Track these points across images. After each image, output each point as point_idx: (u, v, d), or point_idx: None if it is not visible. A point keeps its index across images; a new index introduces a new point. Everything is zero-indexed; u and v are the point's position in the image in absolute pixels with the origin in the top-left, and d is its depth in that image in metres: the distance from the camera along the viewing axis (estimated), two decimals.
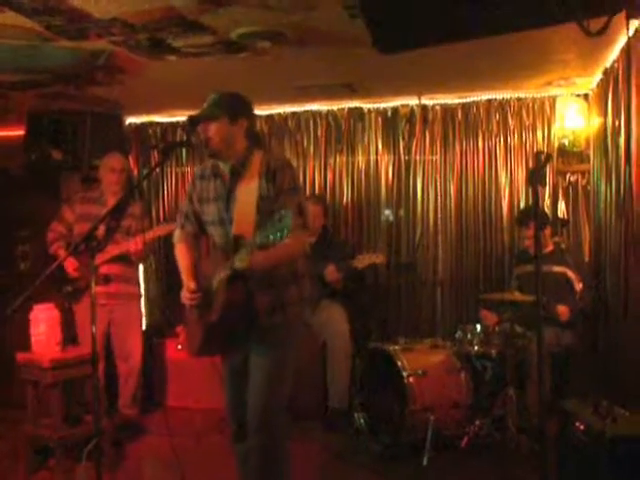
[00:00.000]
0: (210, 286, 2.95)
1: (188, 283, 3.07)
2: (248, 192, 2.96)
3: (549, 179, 5.72)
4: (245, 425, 3.07)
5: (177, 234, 3.31)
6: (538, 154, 2.62)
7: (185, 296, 3.05)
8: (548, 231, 5.01)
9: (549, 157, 2.87)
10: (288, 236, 2.73)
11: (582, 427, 3.36)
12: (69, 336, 4.56)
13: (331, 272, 5.28)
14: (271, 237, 2.51)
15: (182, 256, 3.26)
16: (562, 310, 4.72)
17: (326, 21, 3.88)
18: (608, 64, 4.83)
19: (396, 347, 4.63)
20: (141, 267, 6.05)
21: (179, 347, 5.89)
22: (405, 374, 4.39)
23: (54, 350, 4.29)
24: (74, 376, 4.27)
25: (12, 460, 4.47)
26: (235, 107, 3.02)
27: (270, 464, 2.98)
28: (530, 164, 5.77)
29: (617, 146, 4.55)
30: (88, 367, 3.45)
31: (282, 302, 3.00)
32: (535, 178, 2.61)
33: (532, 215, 5.07)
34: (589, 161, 5.61)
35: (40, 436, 4.29)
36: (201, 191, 3.14)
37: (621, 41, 4.37)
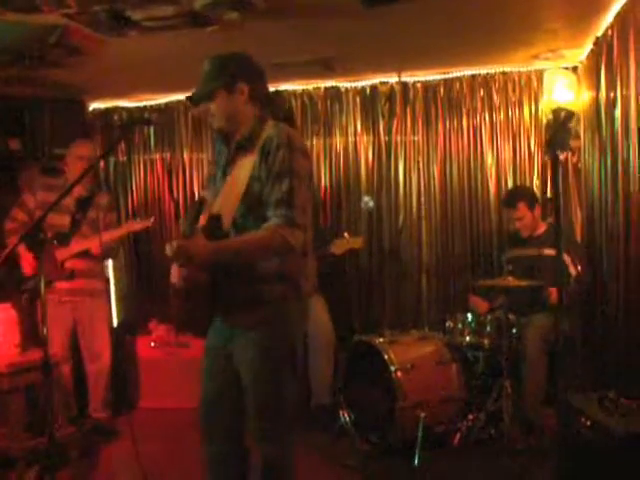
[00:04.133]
0: None
1: None
2: (243, 169, 2.63)
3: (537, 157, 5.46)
4: (215, 425, 2.82)
5: None
6: (556, 111, 2.30)
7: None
8: (538, 211, 4.75)
9: (571, 114, 2.52)
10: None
11: (588, 423, 3.09)
12: (31, 338, 4.26)
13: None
14: None
15: None
16: (551, 292, 4.43)
17: None
18: (600, 33, 4.55)
19: (382, 339, 4.35)
20: (110, 261, 5.77)
21: (152, 344, 5.59)
22: (393, 368, 4.11)
23: (12, 353, 4.00)
24: (35, 381, 3.95)
25: None
26: (229, 72, 2.66)
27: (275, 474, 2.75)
28: (517, 141, 5.51)
29: (613, 120, 4.29)
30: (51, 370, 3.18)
31: (260, 300, 2.63)
32: (555, 141, 2.26)
33: (519, 196, 4.81)
34: (579, 137, 5.33)
35: None
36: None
37: (615, 6, 4.12)
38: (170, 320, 3.11)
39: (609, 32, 4.33)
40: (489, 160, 5.59)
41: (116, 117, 6.19)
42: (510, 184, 5.50)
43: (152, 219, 4.82)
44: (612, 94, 4.27)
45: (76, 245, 4.61)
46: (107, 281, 5.51)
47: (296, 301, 2.70)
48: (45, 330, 2.60)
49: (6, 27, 3.93)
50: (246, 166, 2.62)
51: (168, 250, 2.47)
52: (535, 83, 5.48)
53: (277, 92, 5.74)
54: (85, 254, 4.63)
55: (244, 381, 2.71)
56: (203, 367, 2.88)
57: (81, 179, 2.95)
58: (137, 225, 4.77)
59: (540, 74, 5.43)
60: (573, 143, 5.36)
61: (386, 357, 4.17)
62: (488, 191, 5.59)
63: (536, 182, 5.45)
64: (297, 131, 3.64)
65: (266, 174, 2.55)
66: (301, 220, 2.53)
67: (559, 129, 2.28)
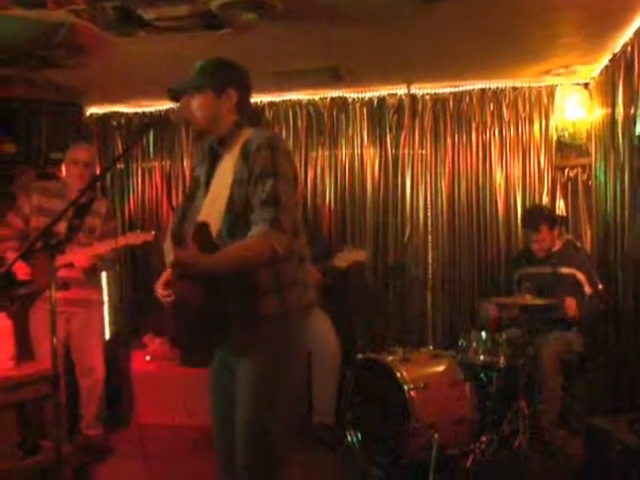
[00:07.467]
0: None
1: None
2: (225, 174, 2.51)
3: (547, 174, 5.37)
4: (232, 455, 2.59)
5: None
6: None
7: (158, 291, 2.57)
8: (556, 231, 4.64)
9: None
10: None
11: (618, 447, 2.96)
12: (24, 350, 4.04)
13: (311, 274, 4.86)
14: None
15: None
16: (569, 303, 4.30)
17: None
18: (617, 49, 4.49)
19: (393, 357, 4.18)
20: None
21: (147, 358, 5.40)
22: (406, 387, 3.93)
23: (6, 367, 3.76)
24: (30, 396, 3.74)
25: None
26: (222, 76, 2.55)
27: None
28: (527, 158, 5.43)
29: (630, 136, 4.21)
30: (46, 386, 3.02)
31: (257, 316, 2.48)
32: None
33: (541, 218, 4.63)
34: (589, 155, 5.25)
35: None
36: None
37: (635, 23, 4.08)
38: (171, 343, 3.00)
39: (628, 48, 4.27)
40: (498, 176, 5.50)
41: (114, 122, 6.05)
42: (519, 201, 5.43)
43: (153, 233, 4.46)
44: (632, 110, 4.19)
45: (62, 257, 4.21)
46: (102, 290, 5.29)
47: (296, 315, 2.56)
48: (55, 340, 2.42)
49: (8, 23, 3.76)
50: (227, 173, 2.51)
51: (167, 261, 2.38)
52: (546, 99, 5.42)
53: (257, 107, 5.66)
54: None
55: (237, 399, 2.55)
56: (209, 389, 2.74)
57: (92, 185, 2.77)
58: (137, 238, 4.40)
59: (551, 90, 5.38)
60: (582, 160, 5.29)
61: (399, 375, 3.99)
62: (496, 207, 5.49)
63: (545, 199, 5.37)
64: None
65: (248, 176, 2.44)
66: (286, 223, 2.40)
67: None
